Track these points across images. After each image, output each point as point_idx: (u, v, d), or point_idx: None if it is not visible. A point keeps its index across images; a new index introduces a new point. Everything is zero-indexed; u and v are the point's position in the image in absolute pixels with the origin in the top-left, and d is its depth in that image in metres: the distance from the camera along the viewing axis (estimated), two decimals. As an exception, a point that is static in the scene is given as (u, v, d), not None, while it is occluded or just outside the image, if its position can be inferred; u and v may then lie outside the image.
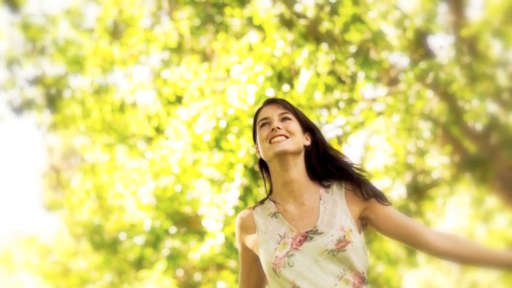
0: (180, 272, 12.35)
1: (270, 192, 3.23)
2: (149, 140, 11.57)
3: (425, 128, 10.49)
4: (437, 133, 10.79)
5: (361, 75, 9.63)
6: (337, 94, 9.43)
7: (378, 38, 9.71)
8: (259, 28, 9.73)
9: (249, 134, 8.84)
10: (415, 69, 10.01)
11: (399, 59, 11.15)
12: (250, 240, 3.19)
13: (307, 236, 3.04)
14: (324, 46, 9.51)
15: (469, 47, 11.41)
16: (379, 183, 10.08)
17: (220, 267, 11.29)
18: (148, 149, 11.29)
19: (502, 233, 15.10)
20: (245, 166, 9.03)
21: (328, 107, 9.52)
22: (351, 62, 9.63)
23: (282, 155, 3.12)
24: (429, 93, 10.46)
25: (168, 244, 11.39)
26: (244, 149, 8.99)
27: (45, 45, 13.23)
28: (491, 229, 15.08)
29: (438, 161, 11.26)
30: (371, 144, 10.72)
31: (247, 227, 3.20)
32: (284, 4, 9.79)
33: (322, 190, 3.16)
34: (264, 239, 3.11)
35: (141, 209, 11.10)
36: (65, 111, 12.67)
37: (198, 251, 9.64)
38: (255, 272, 3.23)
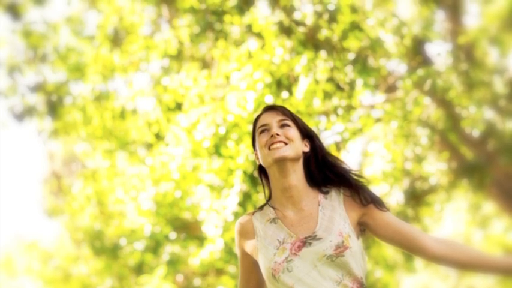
0: (180, 277, 12.36)
1: (269, 198, 3.24)
2: (149, 146, 11.58)
3: (422, 134, 10.50)
4: (434, 139, 10.81)
5: (359, 82, 9.63)
6: (335, 101, 9.42)
7: (376, 45, 9.72)
8: (259, 35, 9.73)
9: (248, 140, 8.85)
10: (413, 76, 10.01)
11: (397, 66, 11.15)
12: (249, 246, 3.21)
13: (305, 242, 3.06)
14: (323, 53, 9.51)
15: (466, 54, 11.44)
16: (377, 189, 10.09)
17: (219, 272, 11.31)
18: (148, 155, 11.29)
19: (498, 239, 15.11)
20: (244, 172, 9.03)
21: (326, 113, 9.53)
22: (349, 69, 9.62)
23: (281, 161, 3.14)
24: (427, 100, 10.46)
25: (168, 249, 11.38)
26: (243, 155, 8.99)
27: (46, 52, 13.23)
28: (488, 235, 15.09)
29: (436, 167, 11.28)
30: (369, 150, 10.73)
31: (246, 233, 3.22)
32: (283, 12, 9.81)
33: (320, 196, 3.18)
34: (263, 245, 3.13)
35: (141, 214, 11.11)
36: (66, 117, 12.65)
37: (197, 257, 9.60)
38: (254, 277, 3.25)
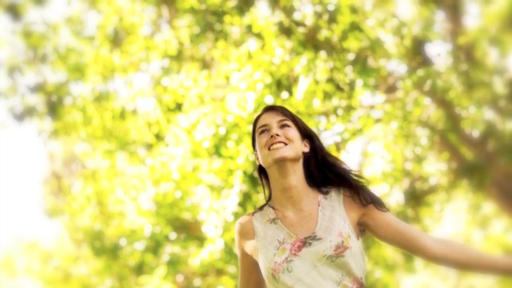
0: (180, 278, 12.36)
1: (269, 198, 3.24)
2: (149, 146, 11.58)
3: (422, 134, 10.51)
4: (434, 140, 10.82)
5: (359, 82, 9.62)
6: (335, 101, 9.41)
7: (376, 45, 9.71)
8: (259, 36, 9.73)
9: (248, 140, 8.85)
10: (413, 76, 10.01)
11: (397, 67, 11.15)
12: (249, 246, 3.20)
13: (305, 242, 3.06)
14: (323, 54, 9.51)
15: (466, 55, 11.45)
16: (377, 189, 10.10)
17: (219, 272, 11.32)
18: (148, 156, 11.30)
19: (498, 239, 15.13)
20: (244, 172, 9.03)
21: (326, 114, 9.53)
22: (349, 69, 9.62)
23: (281, 162, 3.14)
24: (427, 101, 10.46)
25: (168, 250, 11.37)
26: (243, 155, 8.99)
27: (46, 52, 13.24)
28: (488, 235, 15.10)
29: (435, 168, 11.30)
30: (369, 151, 10.74)
31: (246, 233, 3.22)
32: (283, 12, 9.81)
33: (320, 196, 3.18)
34: (263, 245, 3.13)
35: (141, 215, 11.11)
36: (66, 118, 12.66)
37: (197, 257, 9.60)
38: (254, 277, 3.25)
